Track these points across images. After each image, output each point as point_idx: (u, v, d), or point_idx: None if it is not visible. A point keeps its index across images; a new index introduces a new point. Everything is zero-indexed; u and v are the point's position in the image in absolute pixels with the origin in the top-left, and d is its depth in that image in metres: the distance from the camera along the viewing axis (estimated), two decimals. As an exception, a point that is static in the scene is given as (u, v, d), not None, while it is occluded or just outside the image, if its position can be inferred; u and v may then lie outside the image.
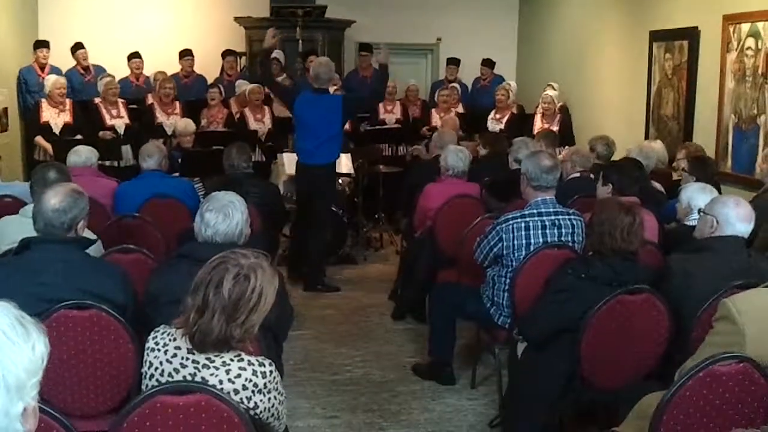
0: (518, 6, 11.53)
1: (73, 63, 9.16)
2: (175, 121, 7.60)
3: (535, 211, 4.03)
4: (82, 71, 9.09)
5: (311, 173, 6.43)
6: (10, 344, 1.36)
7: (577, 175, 5.60)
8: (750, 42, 6.24)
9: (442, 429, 4.18)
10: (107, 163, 7.02)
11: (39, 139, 7.70)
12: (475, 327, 4.67)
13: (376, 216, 8.33)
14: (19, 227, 3.56)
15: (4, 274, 2.91)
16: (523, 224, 3.99)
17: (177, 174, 6.37)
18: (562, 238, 4.01)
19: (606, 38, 8.89)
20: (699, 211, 3.59)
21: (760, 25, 6.10)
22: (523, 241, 3.98)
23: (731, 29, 6.46)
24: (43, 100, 7.80)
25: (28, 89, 8.74)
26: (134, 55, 9.21)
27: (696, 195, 4.11)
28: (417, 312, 5.72)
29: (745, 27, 6.27)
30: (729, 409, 2.45)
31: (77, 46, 9.08)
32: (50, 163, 4.62)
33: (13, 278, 2.86)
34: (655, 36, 7.70)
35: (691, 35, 7.06)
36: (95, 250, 3.55)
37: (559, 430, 3.42)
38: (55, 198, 3.09)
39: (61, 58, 9.07)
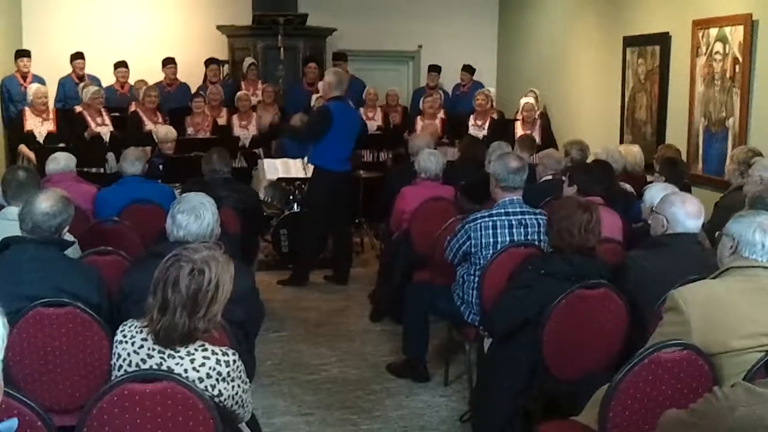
0: (498, 13, 11.70)
1: (60, 71, 9.25)
2: (156, 128, 7.70)
3: (502, 210, 4.16)
4: (77, 80, 9.19)
5: (345, 179, 6.78)
6: None
7: (549, 177, 5.74)
8: (718, 46, 6.41)
9: (415, 424, 4.29)
10: (93, 170, 7.10)
11: (22, 147, 7.78)
12: (448, 325, 4.79)
13: (357, 221, 8.43)
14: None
15: None
16: (490, 223, 4.12)
17: (159, 180, 6.46)
18: (529, 237, 4.14)
19: (582, 44, 9.06)
20: (651, 210, 3.72)
21: (727, 29, 6.26)
22: (491, 240, 4.11)
23: (700, 34, 6.63)
24: (27, 108, 7.89)
25: (11, 98, 8.82)
26: (120, 64, 9.31)
27: (657, 195, 4.23)
28: (394, 313, 5.82)
29: (714, 32, 6.44)
30: (674, 394, 2.57)
31: (76, 56, 9.20)
32: (17, 166, 4.72)
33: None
34: (629, 41, 7.87)
35: (663, 40, 7.23)
36: (73, 251, 3.66)
37: (525, 421, 3.52)
38: (46, 202, 3.23)
39: (44, 66, 9.15)
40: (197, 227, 3.11)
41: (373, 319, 5.99)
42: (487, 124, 8.86)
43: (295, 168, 7.40)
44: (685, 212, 3.44)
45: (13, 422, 1.48)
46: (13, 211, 3.84)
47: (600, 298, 3.33)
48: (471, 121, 8.95)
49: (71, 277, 3.10)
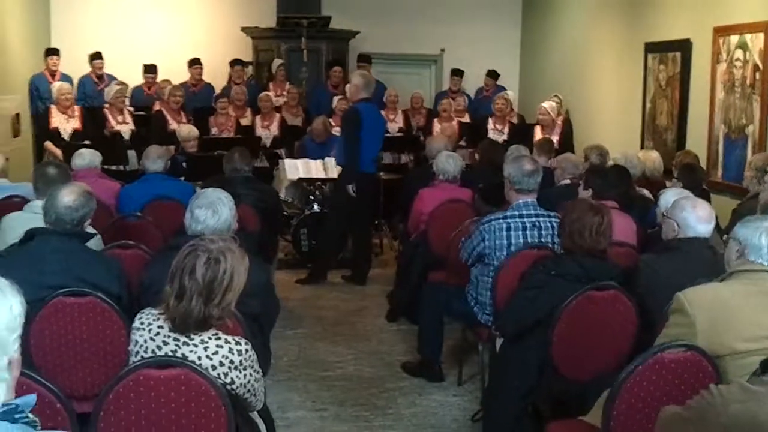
0: (521, 17, 11.73)
1: (87, 70, 9.43)
2: (179, 128, 7.82)
3: (516, 212, 4.21)
4: (96, 79, 9.36)
5: (371, 180, 6.95)
6: None
7: (567, 181, 5.77)
8: (738, 53, 6.40)
9: (426, 422, 4.34)
10: (113, 167, 7.24)
11: (48, 144, 7.94)
12: (462, 326, 4.84)
13: (377, 222, 8.50)
14: (24, 222, 3.76)
15: (9, 261, 3.12)
16: (504, 225, 4.17)
17: (182, 178, 6.58)
18: (542, 239, 4.18)
19: (603, 49, 9.07)
20: (662, 215, 3.75)
21: (747, 36, 6.26)
22: (504, 241, 4.15)
23: (721, 41, 6.63)
24: (53, 106, 8.05)
25: (40, 96, 9.01)
26: (149, 69, 9.46)
27: (671, 199, 4.25)
28: (410, 313, 5.88)
29: (734, 39, 6.44)
30: (678, 394, 2.60)
31: (95, 56, 9.37)
32: (48, 161, 4.84)
33: (16, 265, 3.06)
34: (650, 47, 7.87)
35: (684, 47, 7.23)
36: (95, 244, 3.76)
37: (534, 420, 3.57)
38: (69, 196, 3.35)
39: (72, 65, 9.33)
40: (214, 222, 3.19)
41: (390, 319, 6.05)
42: (506, 128, 8.90)
43: (316, 168, 7.50)
44: (696, 217, 3.47)
45: (32, 397, 1.56)
46: (39, 204, 3.97)
47: (610, 300, 3.37)
48: (490, 125, 8.99)
49: (93, 268, 3.20)
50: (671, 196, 4.34)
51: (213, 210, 3.20)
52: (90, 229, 3.59)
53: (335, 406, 4.50)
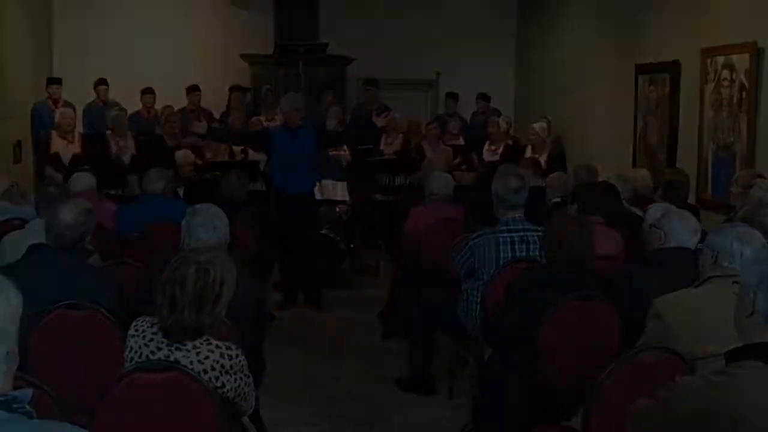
0: (515, 40, 11.92)
1: (88, 97, 9.59)
2: (176, 153, 7.92)
3: (504, 227, 4.30)
4: (101, 105, 9.51)
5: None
6: None
7: (558, 200, 5.87)
8: (725, 73, 6.54)
9: (420, 436, 4.43)
10: (112, 191, 7.34)
11: (49, 169, 8.01)
12: (453, 340, 4.92)
13: (373, 243, 8.60)
14: (25, 240, 3.86)
15: (8, 275, 3.21)
16: (493, 240, 4.26)
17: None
18: (531, 253, 4.27)
19: (596, 71, 9.21)
20: (649, 225, 3.85)
21: (734, 57, 6.40)
22: (493, 255, 4.24)
23: (708, 62, 6.77)
24: (54, 131, 8.16)
25: (42, 124, 9.12)
26: (147, 91, 9.61)
27: (657, 214, 4.35)
28: (404, 330, 5.96)
29: (721, 59, 6.58)
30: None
31: (99, 82, 9.52)
32: (48, 184, 4.95)
33: (15, 280, 3.15)
34: (641, 69, 8.02)
35: (673, 68, 7.38)
36: (94, 262, 3.87)
37: (520, 426, 3.64)
38: (69, 214, 3.45)
39: (74, 92, 9.47)
40: (209, 236, 3.30)
41: (384, 336, 6.13)
42: (500, 150, 9.03)
43: (327, 191, 7.66)
44: (683, 226, 3.56)
45: (28, 392, 1.65)
46: (40, 223, 4.08)
47: (593, 309, 3.46)
48: (486, 147, 9.11)
49: (90, 283, 3.30)
50: (658, 209, 4.45)
51: (210, 225, 3.31)
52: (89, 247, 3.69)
53: (329, 421, 4.58)
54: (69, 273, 3.27)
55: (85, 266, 3.41)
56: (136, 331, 2.58)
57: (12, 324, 1.65)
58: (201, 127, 7.10)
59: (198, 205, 3.47)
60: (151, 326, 2.55)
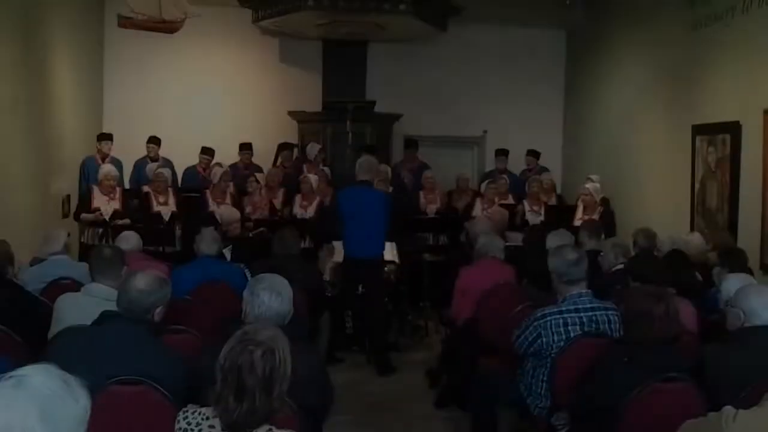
0: (563, 98, 11.81)
1: (138, 153, 9.66)
2: (220, 210, 7.85)
3: (572, 307, 4.05)
4: (150, 161, 9.56)
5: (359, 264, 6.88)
6: (61, 402, 1.68)
7: (621, 266, 5.63)
8: (789, 135, 6.33)
9: None
10: (151, 248, 7.26)
11: (85, 215, 7.99)
12: (514, 415, 4.68)
13: (421, 304, 8.42)
14: (83, 305, 3.79)
15: (74, 341, 3.12)
16: (561, 320, 4.02)
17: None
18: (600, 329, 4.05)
19: (650, 130, 9.04)
20: (726, 303, 3.64)
21: (799, 118, 6.20)
22: (563, 336, 3.99)
23: (772, 123, 6.56)
24: (95, 186, 8.18)
25: (88, 178, 9.17)
26: (207, 151, 9.66)
27: (734, 287, 4.12)
28: (460, 400, 5.73)
29: (785, 120, 6.37)
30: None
31: (151, 140, 9.61)
32: (103, 245, 4.87)
33: (83, 347, 3.09)
34: (698, 130, 7.83)
35: (733, 129, 7.17)
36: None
37: None
38: (142, 281, 3.37)
39: (123, 149, 9.54)
40: (278, 304, 3.16)
41: (438, 405, 5.90)
42: (543, 209, 8.85)
43: None
44: (762, 304, 3.36)
45: None
46: (95, 287, 3.98)
47: (679, 393, 3.23)
48: (527, 207, 8.93)
49: (155, 360, 3.15)
50: (733, 283, 4.22)
51: (277, 293, 3.18)
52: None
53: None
54: (133, 346, 3.15)
55: (150, 341, 3.27)
56: (188, 424, 2.39)
57: (80, 425, 1.62)
58: None
59: (263, 274, 3.33)
60: (207, 419, 2.38)
